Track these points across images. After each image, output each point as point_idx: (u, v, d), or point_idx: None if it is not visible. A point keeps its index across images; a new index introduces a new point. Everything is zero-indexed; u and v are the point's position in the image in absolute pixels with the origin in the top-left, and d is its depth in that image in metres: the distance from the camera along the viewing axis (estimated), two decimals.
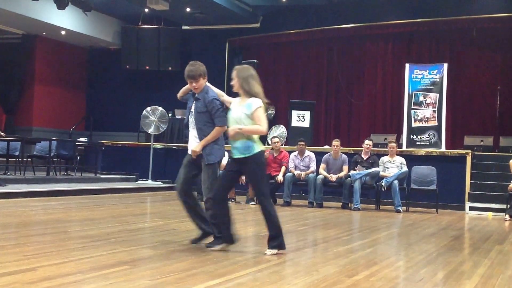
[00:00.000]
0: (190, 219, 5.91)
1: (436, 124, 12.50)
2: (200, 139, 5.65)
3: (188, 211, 5.86)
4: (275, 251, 5.48)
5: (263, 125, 5.40)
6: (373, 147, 11.64)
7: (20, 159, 12.63)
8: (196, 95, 5.74)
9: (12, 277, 4.01)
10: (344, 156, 11.37)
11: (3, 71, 16.60)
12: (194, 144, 5.71)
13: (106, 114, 16.85)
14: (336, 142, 11.35)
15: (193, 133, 5.74)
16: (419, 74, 12.77)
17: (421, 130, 12.55)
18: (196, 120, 5.68)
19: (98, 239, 5.88)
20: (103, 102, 17.19)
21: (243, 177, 11.25)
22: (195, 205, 5.86)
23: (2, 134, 11.92)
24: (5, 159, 12.41)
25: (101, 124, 16.62)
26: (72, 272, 4.27)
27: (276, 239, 5.52)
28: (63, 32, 15.76)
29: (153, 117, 14.17)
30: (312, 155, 11.44)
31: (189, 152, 5.77)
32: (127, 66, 16.69)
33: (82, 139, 15.34)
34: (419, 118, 12.62)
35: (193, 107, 5.73)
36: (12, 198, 9.82)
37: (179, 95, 6.02)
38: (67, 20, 15.15)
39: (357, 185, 10.76)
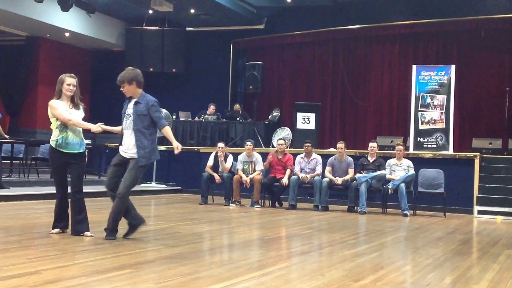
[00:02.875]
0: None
1: (444, 126, 12.40)
2: (140, 141, 6.02)
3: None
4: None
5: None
6: (379, 150, 11.56)
7: (24, 162, 12.61)
8: (136, 99, 6.09)
9: (17, 280, 4.01)
10: (350, 158, 11.29)
11: (7, 73, 16.63)
12: (130, 146, 6.05)
13: (110, 116, 16.70)
14: (340, 145, 11.27)
15: (129, 135, 6.06)
16: (426, 75, 12.68)
17: (429, 133, 12.45)
18: (135, 122, 6.03)
19: (101, 242, 5.86)
20: (107, 104, 17.15)
21: (248, 180, 11.27)
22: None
23: (6, 136, 11.88)
24: (9, 161, 12.39)
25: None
26: (76, 275, 4.27)
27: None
28: (67, 34, 15.77)
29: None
30: (319, 158, 11.37)
31: (121, 153, 6.14)
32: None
33: (85, 141, 15.29)
34: (426, 120, 12.52)
35: (131, 110, 6.07)
36: (16, 201, 9.84)
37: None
38: (71, 22, 15.17)
39: (363, 188, 10.67)
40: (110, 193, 6.14)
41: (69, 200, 6.21)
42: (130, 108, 6.10)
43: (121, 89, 6.15)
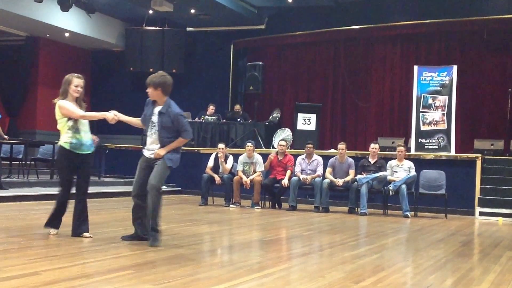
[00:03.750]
0: (132, 218, 6.07)
1: (445, 127, 12.34)
2: (162, 146, 5.90)
3: (135, 211, 6.04)
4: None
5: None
6: (380, 151, 11.52)
7: (23, 162, 12.58)
8: (160, 108, 5.90)
9: (16, 281, 4.00)
10: (350, 159, 11.26)
11: (7, 74, 16.59)
12: (148, 151, 5.98)
13: None
14: (341, 146, 11.23)
15: (156, 143, 5.92)
16: (428, 76, 12.63)
17: (430, 134, 12.41)
18: (161, 133, 5.88)
19: (101, 243, 5.84)
20: (106, 105, 16.98)
21: (248, 181, 11.24)
22: (144, 208, 5.99)
23: (5, 137, 11.85)
24: (8, 162, 12.36)
25: (105, 127, 16.45)
26: (76, 276, 4.25)
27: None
28: (66, 34, 15.75)
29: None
30: (320, 159, 11.34)
31: (146, 154, 5.98)
32: (131, 69, 16.65)
33: None
34: (427, 121, 12.48)
35: (155, 119, 5.90)
36: (15, 202, 9.80)
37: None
38: (71, 22, 15.14)
39: (364, 189, 10.63)
40: (135, 199, 5.99)
41: (74, 201, 6.12)
42: (154, 116, 5.91)
43: (147, 90, 5.97)
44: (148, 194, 5.81)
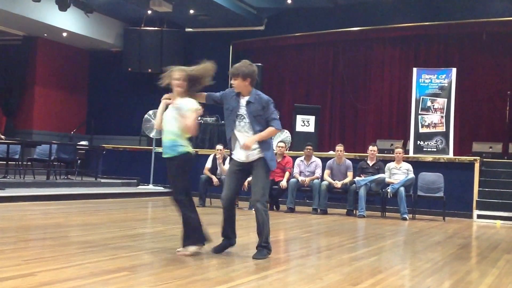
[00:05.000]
0: (223, 227, 5.68)
1: (444, 130, 12.35)
2: (263, 143, 5.43)
3: (226, 218, 5.62)
4: (193, 248, 5.37)
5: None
6: (379, 153, 11.50)
7: (20, 163, 12.55)
8: (248, 98, 5.51)
9: (11, 282, 3.97)
10: (348, 161, 11.24)
11: (4, 73, 16.59)
12: (242, 152, 5.45)
13: (107, 117, 16.75)
14: (339, 147, 11.22)
15: (242, 137, 5.44)
16: (427, 78, 12.63)
17: (429, 136, 12.40)
18: (253, 125, 5.40)
19: (98, 244, 5.81)
20: (104, 105, 17.10)
21: (246, 183, 11.18)
22: (234, 215, 5.68)
23: (2, 137, 11.83)
24: (5, 162, 12.33)
25: (102, 128, 16.53)
26: (71, 278, 4.22)
27: (191, 237, 5.41)
28: (64, 34, 15.72)
29: (155, 121, 14.04)
30: (319, 161, 11.31)
31: (237, 158, 5.54)
32: (129, 69, 16.61)
33: (82, 142, 15.23)
34: (426, 123, 12.47)
35: (244, 111, 5.47)
36: (11, 202, 9.75)
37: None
38: (69, 22, 15.12)
39: (362, 191, 10.61)
40: (227, 207, 5.55)
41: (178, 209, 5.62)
42: (242, 108, 5.46)
43: (232, 81, 5.59)
44: (255, 209, 5.45)
